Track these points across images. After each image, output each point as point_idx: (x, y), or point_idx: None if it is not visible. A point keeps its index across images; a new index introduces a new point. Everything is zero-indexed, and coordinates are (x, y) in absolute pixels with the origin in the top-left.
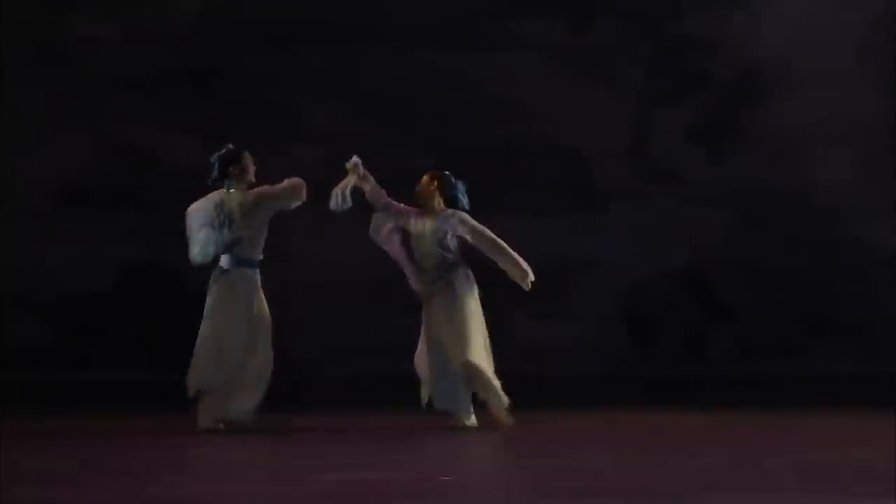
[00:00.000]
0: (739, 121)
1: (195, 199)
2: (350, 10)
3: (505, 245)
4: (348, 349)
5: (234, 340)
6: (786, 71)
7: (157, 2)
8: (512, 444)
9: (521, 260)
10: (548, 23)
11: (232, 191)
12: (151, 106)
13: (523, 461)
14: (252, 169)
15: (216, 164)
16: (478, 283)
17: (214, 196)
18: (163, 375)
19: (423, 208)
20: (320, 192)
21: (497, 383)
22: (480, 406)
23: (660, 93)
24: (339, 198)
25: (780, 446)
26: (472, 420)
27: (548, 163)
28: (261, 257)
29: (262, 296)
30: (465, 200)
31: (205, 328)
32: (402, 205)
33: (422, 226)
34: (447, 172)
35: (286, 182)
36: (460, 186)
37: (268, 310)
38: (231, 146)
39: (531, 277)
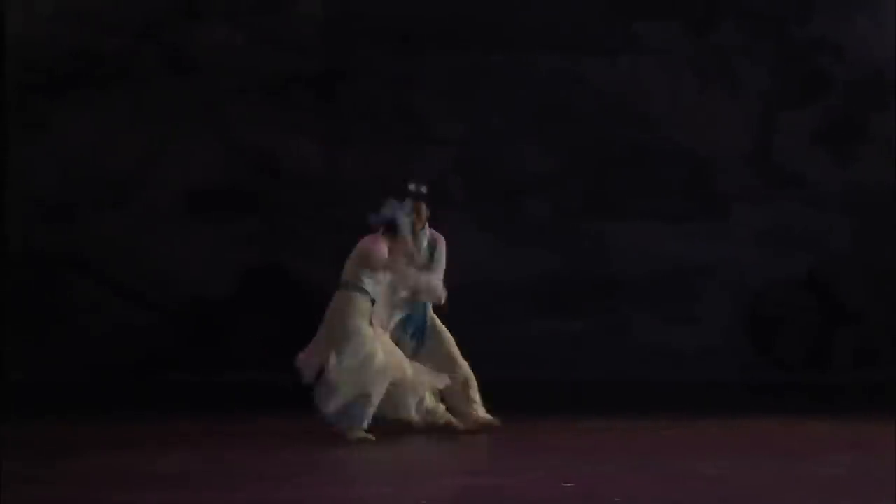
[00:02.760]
0: (865, 124)
1: (319, 203)
2: (473, 15)
3: None
4: (476, 354)
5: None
6: None
7: (280, 7)
8: (635, 450)
9: None
10: (670, 25)
11: None
12: (276, 111)
13: (646, 467)
14: None
15: None
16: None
17: None
18: (285, 377)
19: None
20: (442, 198)
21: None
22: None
23: (783, 95)
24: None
25: None
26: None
27: (670, 166)
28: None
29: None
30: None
31: None
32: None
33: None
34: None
35: None
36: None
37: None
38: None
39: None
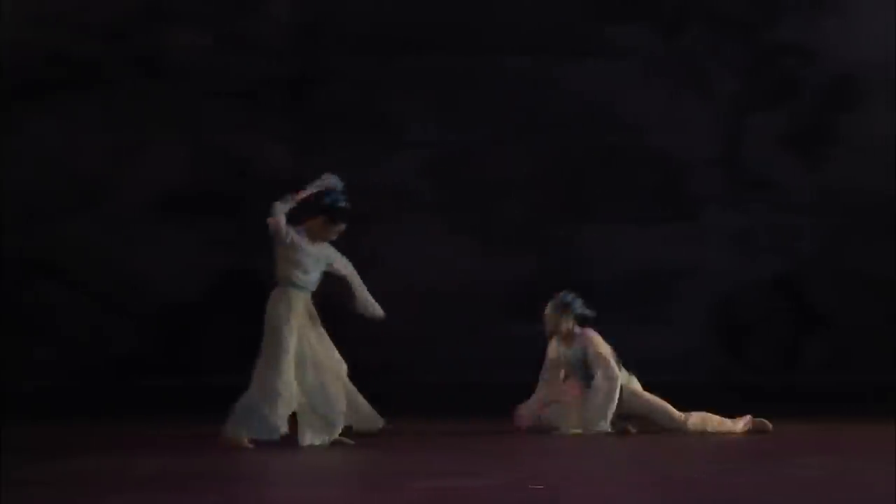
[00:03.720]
0: (834, 127)
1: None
2: (444, 18)
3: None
4: (451, 357)
5: None
6: (880, 76)
7: (251, 11)
8: (606, 452)
9: None
10: (640, 29)
11: None
12: (246, 115)
13: (617, 469)
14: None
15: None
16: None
17: None
18: None
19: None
20: (414, 202)
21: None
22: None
23: (753, 99)
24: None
25: (876, 457)
26: None
27: (640, 170)
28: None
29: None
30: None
31: None
32: None
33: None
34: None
35: None
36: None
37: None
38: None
39: None
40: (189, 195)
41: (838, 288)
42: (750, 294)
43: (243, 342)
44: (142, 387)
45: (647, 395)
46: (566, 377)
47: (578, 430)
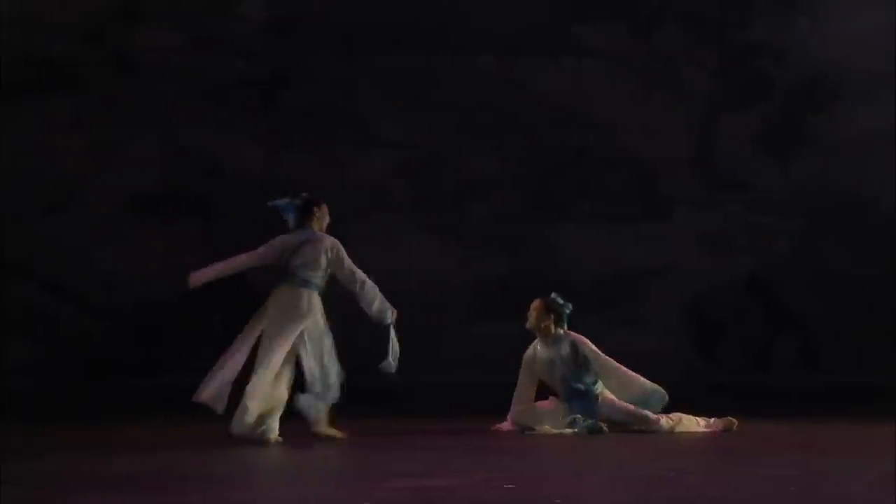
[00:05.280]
0: (806, 127)
1: (262, 205)
2: (416, 19)
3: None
4: (424, 357)
5: None
6: (851, 76)
7: (225, 11)
8: (581, 451)
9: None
10: (613, 29)
11: None
12: (220, 115)
13: (591, 468)
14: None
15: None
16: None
17: None
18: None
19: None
20: (386, 201)
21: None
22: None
23: (725, 100)
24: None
25: (849, 457)
26: None
27: (614, 170)
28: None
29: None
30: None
31: None
32: None
33: (546, 355)
34: (553, 296)
35: None
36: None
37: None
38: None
39: None
40: (163, 195)
41: (811, 288)
42: (723, 294)
43: (218, 341)
44: (117, 387)
45: (620, 401)
46: (540, 385)
47: (553, 430)
